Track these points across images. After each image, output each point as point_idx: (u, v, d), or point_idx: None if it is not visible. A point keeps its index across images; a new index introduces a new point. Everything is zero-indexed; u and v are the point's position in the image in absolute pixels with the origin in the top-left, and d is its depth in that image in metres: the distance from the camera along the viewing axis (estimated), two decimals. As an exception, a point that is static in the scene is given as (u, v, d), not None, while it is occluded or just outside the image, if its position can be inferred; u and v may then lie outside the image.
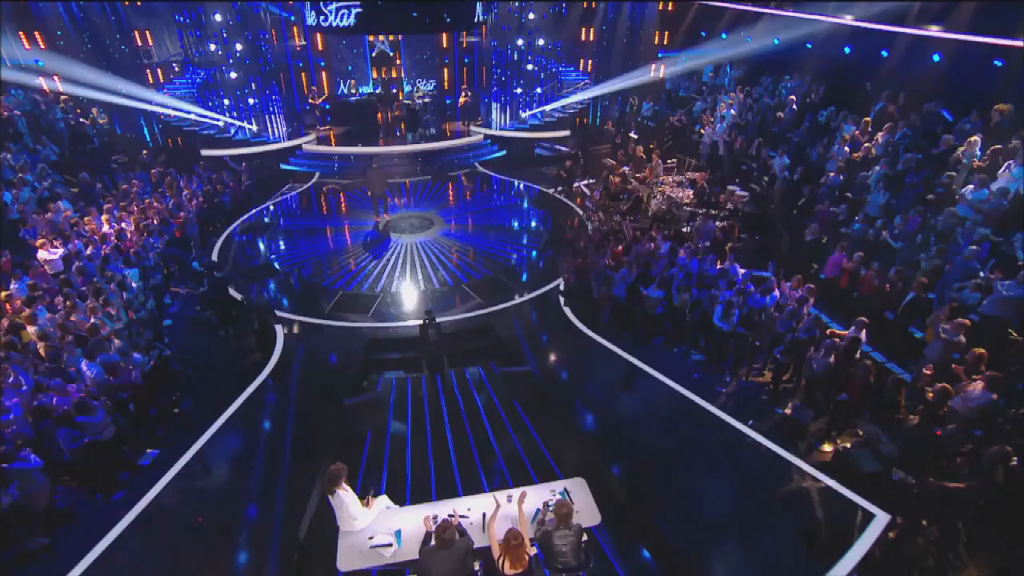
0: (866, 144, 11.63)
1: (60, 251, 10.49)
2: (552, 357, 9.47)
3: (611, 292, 10.31)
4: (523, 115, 19.20)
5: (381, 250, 12.65)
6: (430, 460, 7.36)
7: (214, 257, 12.68)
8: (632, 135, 18.10)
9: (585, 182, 16.17)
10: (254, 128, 17.27)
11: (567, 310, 10.52)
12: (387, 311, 10.50)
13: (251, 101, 17.39)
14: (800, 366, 8.62)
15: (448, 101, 21.97)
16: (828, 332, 8.64)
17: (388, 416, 8.13)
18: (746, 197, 12.90)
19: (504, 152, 18.86)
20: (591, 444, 7.57)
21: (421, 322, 9.30)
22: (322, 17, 14.37)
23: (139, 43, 18.12)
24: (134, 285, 10.33)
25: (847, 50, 13.54)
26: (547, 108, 19.19)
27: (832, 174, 11.70)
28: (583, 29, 21.12)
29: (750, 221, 12.56)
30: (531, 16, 18.45)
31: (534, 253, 12.72)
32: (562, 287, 11.18)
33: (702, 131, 16.00)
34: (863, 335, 8.28)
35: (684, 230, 12.10)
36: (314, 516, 6.47)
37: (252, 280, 11.48)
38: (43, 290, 9.29)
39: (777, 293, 9.57)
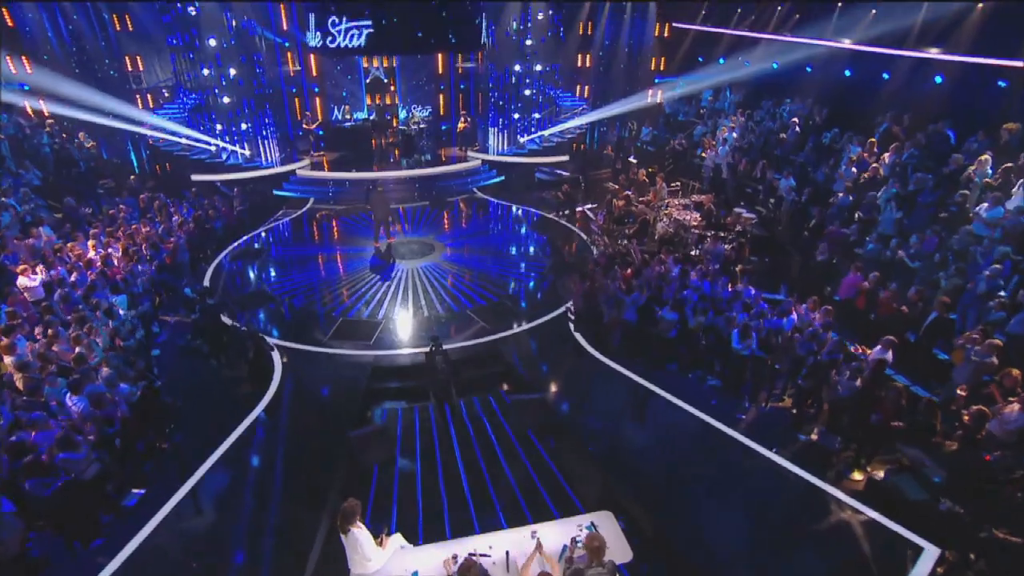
0: (873, 164, 11.78)
1: (41, 277, 10.16)
2: (565, 383, 9.24)
3: (622, 316, 10.18)
4: (521, 140, 19.33)
5: (386, 275, 12.46)
6: (442, 495, 7.02)
7: (206, 284, 12.38)
8: (631, 160, 18.28)
9: (588, 206, 16.21)
10: (247, 153, 17.19)
11: (577, 335, 10.33)
12: (390, 338, 10.24)
13: (244, 126, 17.33)
14: (822, 390, 8.46)
15: (444, 127, 22.12)
16: (853, 349, 8.53)
17: (396, 448, 7.79)
18: (754, 219, 12.95)
19: (503, 177, 18.91)
20: (612, 474, 7.29)
21: (427, 349, 9.05)
22: (329, 38, 14.47)
23: (129, 68, 18.13)
24: (121, 312, 10.00)
25: (847, 73, 13.87)
26: (545, 133, 19.35)
27: (841, 194, 11.80)
28: (579, 55, 21.55)
29: (758, 243, 12.59)
30: (528, 42, 18.75)
31: (540, 278, 12.59)
32: (571, 312, 11.02)
33: (704, 154, 16.20)
34: (889, 355, 8.17)
35: (693, 253, 12.06)
36: (319, 558, 6.08)
37: (246, 308, 11.18)
38: (22, 318, 8.92)
39: (795, 316, 9.49)
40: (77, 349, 8.30)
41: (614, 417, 8.48)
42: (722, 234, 12.26)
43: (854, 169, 12.05)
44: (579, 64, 21.68)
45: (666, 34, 20.71)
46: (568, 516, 6.02)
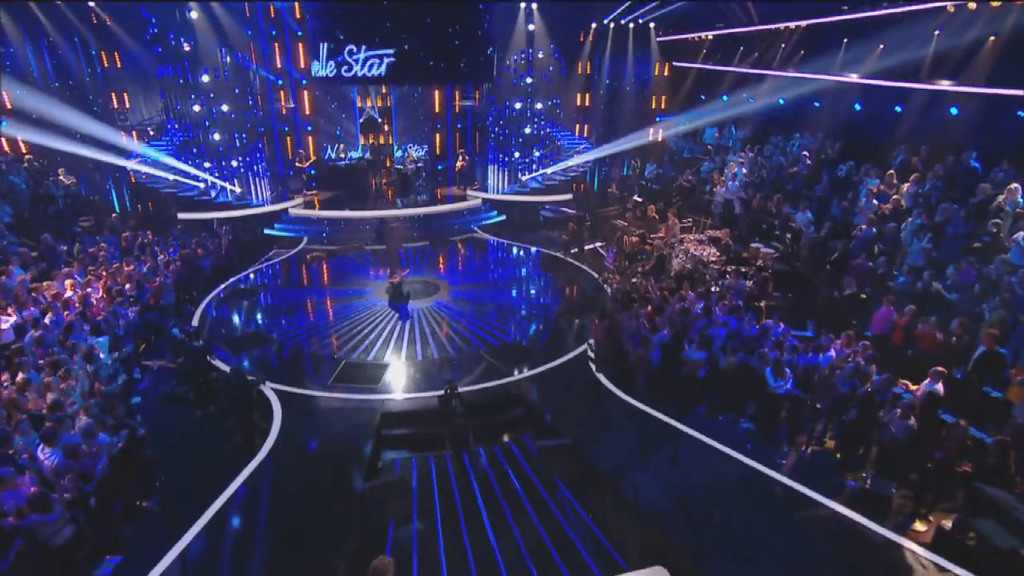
0: (894, 196, 11.85)
1: (12, 319, 9.61)
2: (592, 427, 8.79)
3: (649, 355, 9.87)
4: (523, 178, 19.43)
5: (403, 314, 12.10)
6: (468, 555, 6.43)
7: (194, 325, 11.86)
8: (636, 198, 18.40)
9: (596, 244, 16.19)
10: (237, 190, 16.97)
11: (600, 376, 9.96)
12: (399, 382, 9.77)
13: (234, 163, 17.19)
14: (869, 431, 8.10)
15: (440, 167, 22.23)
16: (899, 383, 8.24)
17: (412, 502, 7.20)
18: (774, 254, 12.89)
19: (504, 216, 18.88)
20: (655, 525, 6.77)
21: (441, 393, 8.60)
22: (345, 68, 14.62)
23: (115, 105, 18.06)
24: (102, 356, 9.43)
25: (858, 107, 14.19)
26: (548, 171, 19.49)
27: (864, 227, 11.80)
28: (579, 95, 22.02)
29: (779, 278, 12.47)
30: (528, 80, 19.11)
31: (553, 317, 12.32)
32: (591, 351, 10.70)
33: (714, 190, 16.32)
34: (940, 388, 7.88)
35: (713, 289, 11.89)
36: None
37: (240, 351, 10.66)
38: (-9, 363, 8.33)
39: (832, 352, 9.23)
40: (51, 396, 7.71)
41: (649, 462, 8.01)
42: (743, 269, 12.13)
43: (875, 201, 12.11)
44: (579, 103, 22.12)
45: (667, 73, 21.30)
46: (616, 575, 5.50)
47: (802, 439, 8.77)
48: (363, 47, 14.92)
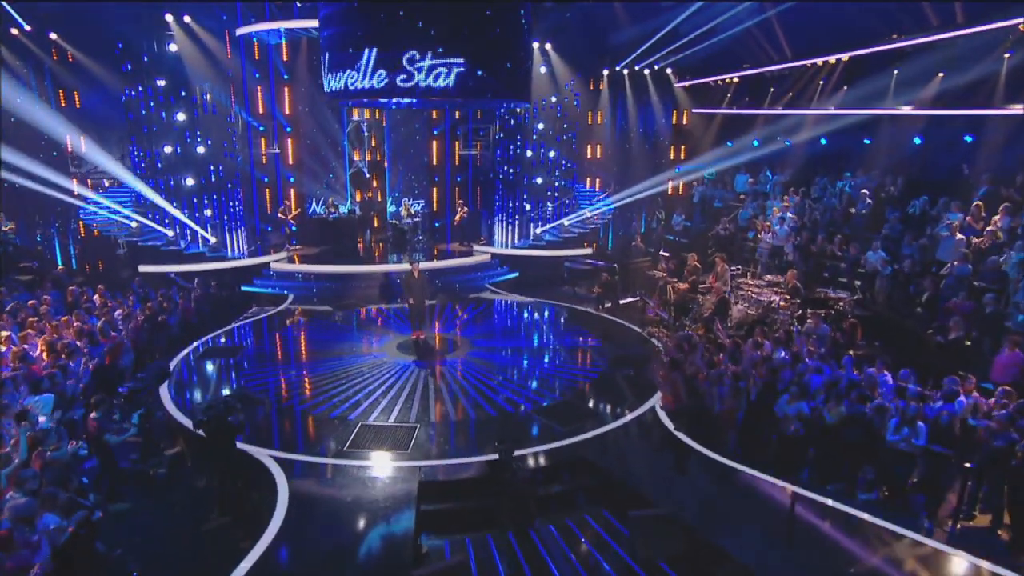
0: (988, 228, 11.56)
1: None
2: (686, 495, 7.66)
3: (740, 407, 8.95)
4: (536, 231, 19.09)
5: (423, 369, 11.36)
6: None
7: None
8: (663, 253, 18.07)
9: (632, 298, 15.70)
10: (212, 240, 16.11)
11: (679, 434, 8.93)
12: (432, 446, 8.60)
13: (208, 212, 16.46)
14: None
15: (436, 225, 21.84)
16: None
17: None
18: (851, 297, 12.37)
19: (517, 273, 18.32)
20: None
21: (494, 458, 7.41)
22: (402, 78, 12.85)
23: (70, 149, 17.39)
24: (42, 419, 8.07)
25: (918, 140, 14.23)
26: (565, 222, 19.24)
27: (956, 263, 11.36)
28: (589, 146, 22.18)
29: (862, 324, 11.84)
30: (540, 126, 19.18)
31: (602, 374, 11.45)
32: (661, 405, 9.77)
33: (757, 237, 16.06)
34: None
35: (784, 332, 11.19)
36: None
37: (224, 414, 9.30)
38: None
39: (964, 398, 8.37)
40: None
41: (774, 535, 6.82)
42: (822, 313, 11.50)
43: (961, 236, 11.78)
44: (589, 155, 22.26)
45: (685, 121, 21.68)
46: None
47: (946, 510, 7.72)
48: (428, 53, 12.77)
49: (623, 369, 11.60)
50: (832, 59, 15.54)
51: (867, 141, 15.44)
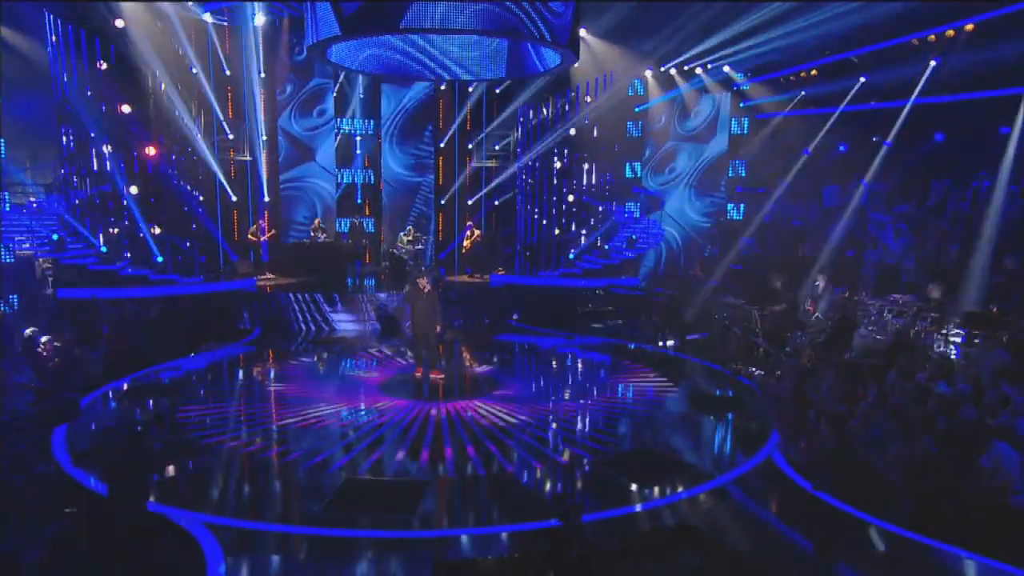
0: None
1: None
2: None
3: (919, 461, 6.95)
4: (571, 257, 17.69)
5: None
6: None
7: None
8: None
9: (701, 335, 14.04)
10: (160, 260, 14.51)
11: (819, 494, 6.93)
12: (450, 510, 6.59)
13: (156, 230, 15.01)
14: None
15: (443, 256, 20.37)
16: None
17: None
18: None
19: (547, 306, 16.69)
20: None
21: (555, 526, 5.40)
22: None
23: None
24: None
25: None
26: (606, 247, 17.99)
27: None
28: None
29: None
30: (572, 132, 18.00)
31: (686, 418, 9.58)
32: (791, 457, 7.80)
33: (858, 255, 14.67)
34: None
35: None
36: None
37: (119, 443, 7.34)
38: None
39: None
40: None
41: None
42: (990, 337, 9.73)
43: None
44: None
45: (746, 130, 20.38)
46: None
47: None
48: None
49: (709, 414, 9.77)
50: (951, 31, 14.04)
51: (1005, 131, 13.85)
